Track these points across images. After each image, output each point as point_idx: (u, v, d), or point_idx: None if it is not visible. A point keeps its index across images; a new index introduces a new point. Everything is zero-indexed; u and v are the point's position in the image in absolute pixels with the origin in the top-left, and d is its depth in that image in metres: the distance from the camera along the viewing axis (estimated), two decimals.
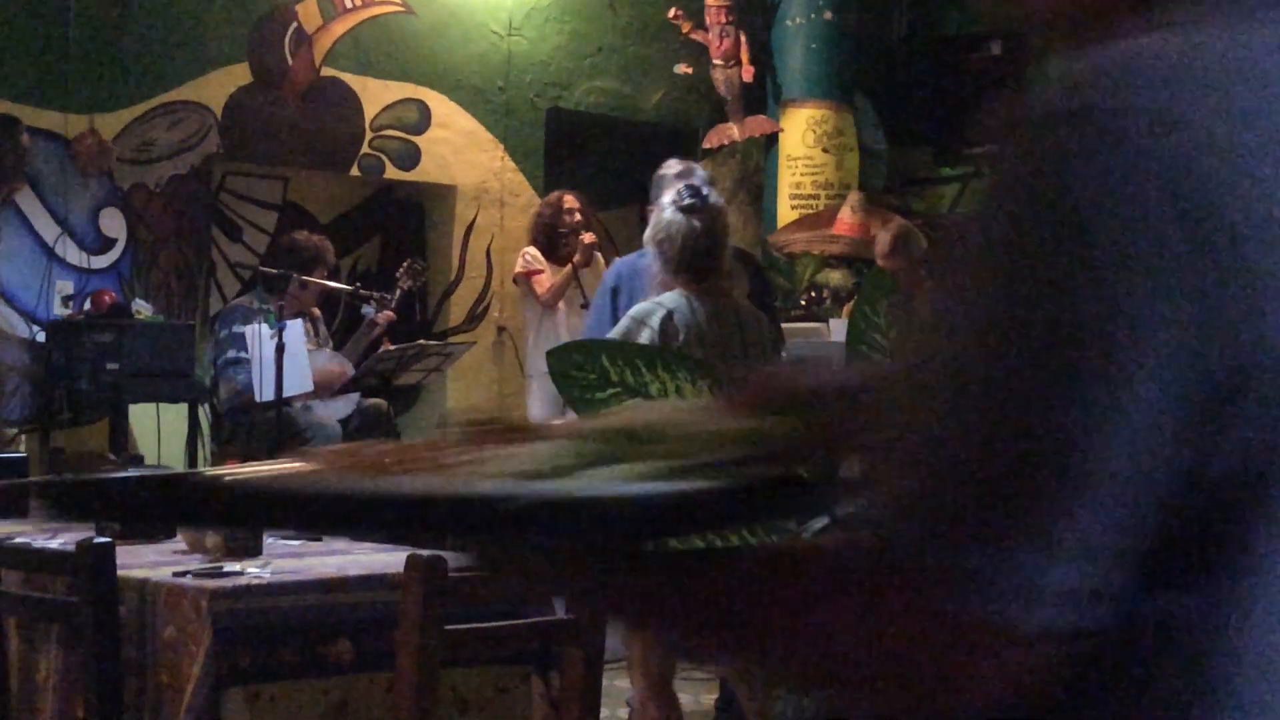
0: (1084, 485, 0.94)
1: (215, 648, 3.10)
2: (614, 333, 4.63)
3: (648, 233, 4.81)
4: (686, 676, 5.67)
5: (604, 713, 3.59)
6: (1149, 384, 0.94)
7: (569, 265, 7.82)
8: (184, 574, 3.29)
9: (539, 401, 8.00)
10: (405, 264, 7.86)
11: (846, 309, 7.66)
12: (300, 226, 8.05)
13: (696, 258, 4.70)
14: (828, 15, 8.80)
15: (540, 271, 7.91)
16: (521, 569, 1.13)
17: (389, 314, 7.67)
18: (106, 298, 6.95)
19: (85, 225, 7.25)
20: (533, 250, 7.98)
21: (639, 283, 5.42)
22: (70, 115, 7.20)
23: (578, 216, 7.93)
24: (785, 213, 9.03)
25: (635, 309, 4.71)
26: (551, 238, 7.96)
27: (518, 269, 8.03)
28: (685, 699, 5.37)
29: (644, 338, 4.54)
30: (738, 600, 1.05)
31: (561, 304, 7.92)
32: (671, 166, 5.54)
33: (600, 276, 7.99)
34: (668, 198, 4.83)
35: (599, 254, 8.13)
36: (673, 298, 4.65)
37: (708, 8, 8.88)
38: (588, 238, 7.82)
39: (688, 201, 4.72)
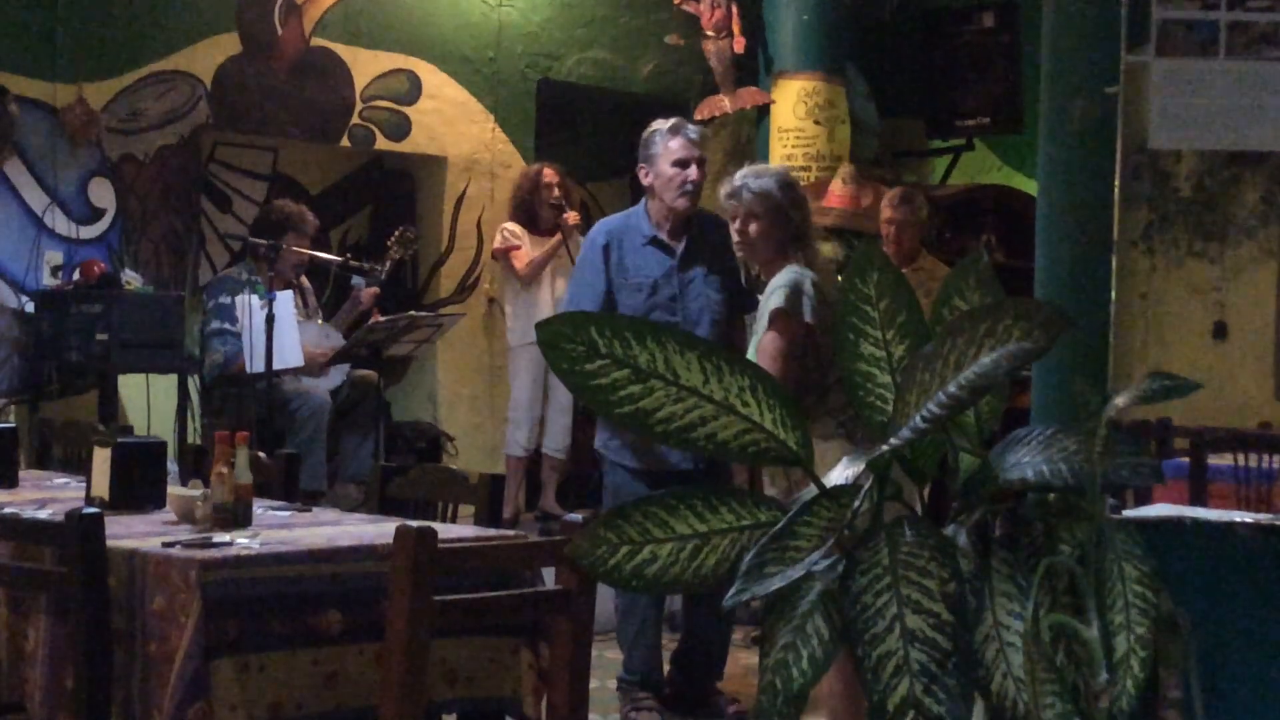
0: None
1: (204, 618, 3.10)
2: (779, 299, 4.65)
3: (766, 198, 4.82)
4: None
5: (593, 683, 3.60)
6: None
7: (551, 241, 7.84)
8: (173, 544, 3.29)
9: (523, 372, 8.01)
10: (397, 232, 7.85)
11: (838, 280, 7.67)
12: (290, 197, 8.03)
13: (811, 228, 4.91)
14: None
15: (518, 247, 7.91)
16: None
17: (374, 291, 7.66)
18: (96, 268, 6.93)
19: (74, 195, 7.23)
20: (511, 226, 7.99)
21: (629, 240, 5.43)
22: (58, 84, 7.16)
23: (556, 192, 7.94)
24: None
25: (785, 278, 4.72)
26: (530, 211, 7.97)
27: (496, 244, 8.05)
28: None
29: (805, 304, 4.62)
30: None
31: (546, 277, 7.92)
32: (662, 123, 5.53)
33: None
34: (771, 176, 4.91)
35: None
36: (800, 268, 4.73)
37: None
38: (571, 218, 7.83)
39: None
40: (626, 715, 5.37)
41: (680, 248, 5.41)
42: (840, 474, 2.53)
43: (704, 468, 5.21)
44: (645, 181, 5.46)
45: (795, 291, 4.66)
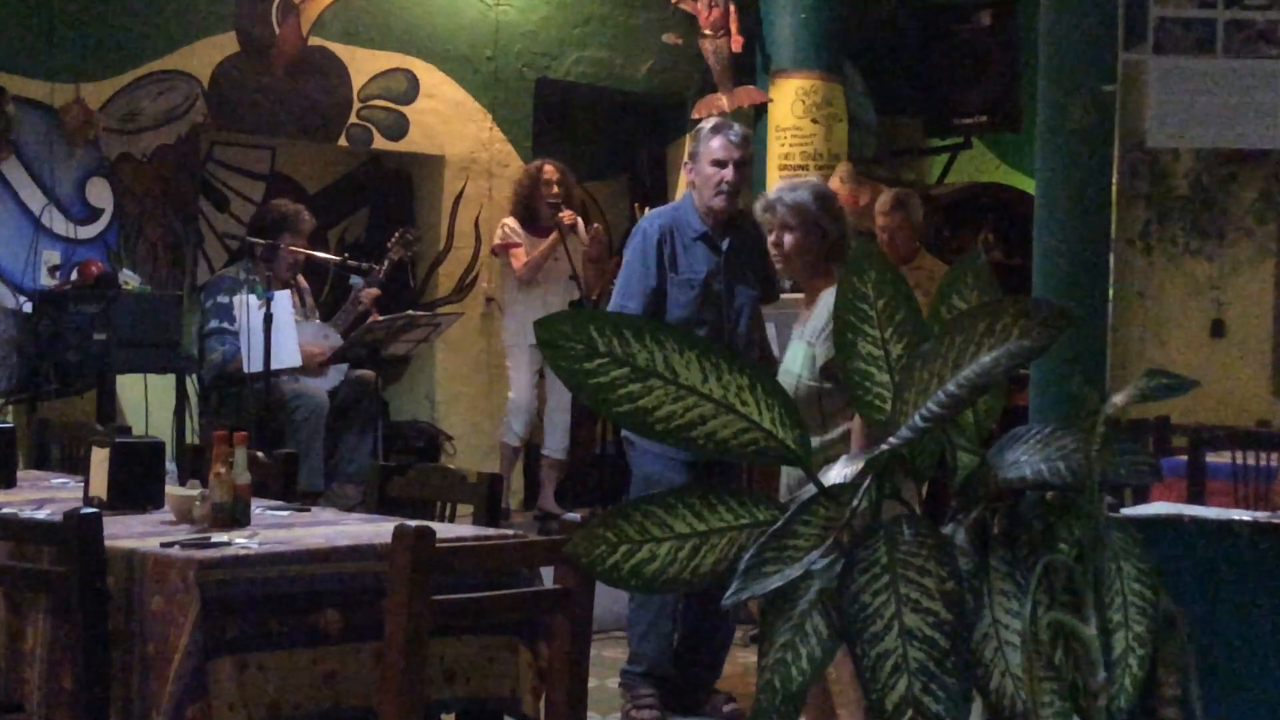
0: None
1: (203, 618, 3.09)
2: None
3: (800, 210, 4.78)
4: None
5: (592, 683, 3.60)
6: None
7: (548, 241, 7.84)
8: (172, 544, 3.29)
9: (519, 372, 8.01)
10: (397, 233, 7.85)
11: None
12: (288, 196, 8.03)
13: (848, 241, 4.84)
14: None
15: (518, 245, 7.91)
16: None
17: (375, 291, 7.66)
18: (93, 268, 6.93)
19: (72, 195, 7.23)
20: (511, 222, 8.00)
21: (680, 235, 5.46)
22: (56, 84, 7.17)
23: (555, 189, 7.94)
24: (774, 183, 9.00)
25: None
26: (530, 208, 7.97)
27: (495, 240, 8.07)
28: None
29: None
30: None
31: (544, 277, 7.93)
32: (709, 120, 5.66)
33: (580, 246, 8.01)
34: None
35: (581, 223, 8.15)
36: None
37: None
38: (567, 217, 7.83)
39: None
40: (627, 714, 5.37)
41: (725, 244, 5.46)
42: (839, 473, 2.53)
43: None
44: (688, 178, 5.55)
45: None
